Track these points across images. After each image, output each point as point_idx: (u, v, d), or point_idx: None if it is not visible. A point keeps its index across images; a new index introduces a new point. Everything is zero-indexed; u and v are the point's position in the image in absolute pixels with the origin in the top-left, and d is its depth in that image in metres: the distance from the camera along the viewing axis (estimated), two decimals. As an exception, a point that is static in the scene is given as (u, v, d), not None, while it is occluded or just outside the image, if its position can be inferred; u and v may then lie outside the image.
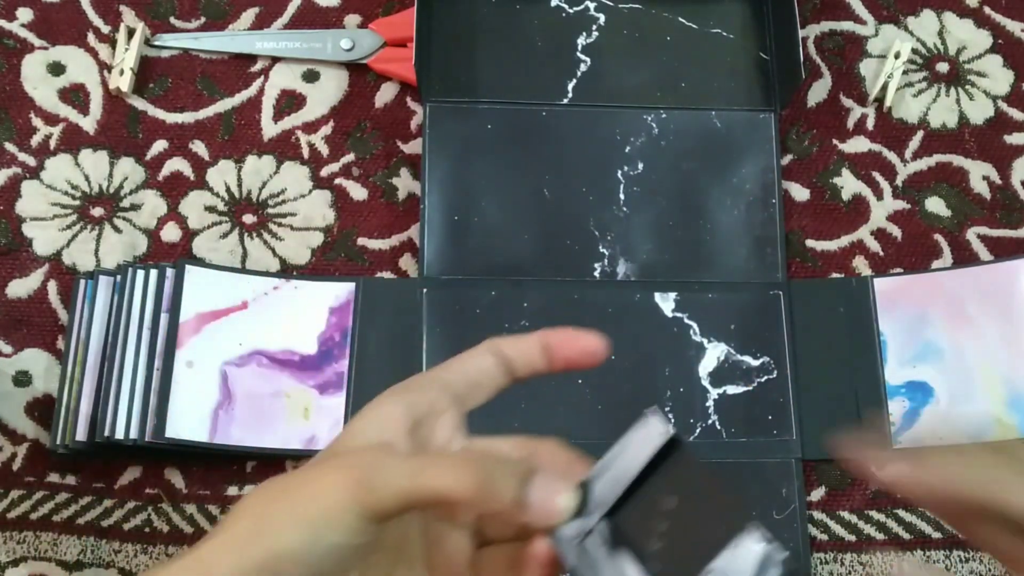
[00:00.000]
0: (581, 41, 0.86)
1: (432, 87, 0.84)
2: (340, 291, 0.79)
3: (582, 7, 0.87)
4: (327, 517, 0.44)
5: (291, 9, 0.89)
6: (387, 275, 0.81)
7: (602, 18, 0.87)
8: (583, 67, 0.86)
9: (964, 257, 0.82)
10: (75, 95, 0.86)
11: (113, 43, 0.86)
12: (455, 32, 0.86)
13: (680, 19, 0.87)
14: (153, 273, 0.77)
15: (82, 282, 0.78)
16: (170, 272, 0.77)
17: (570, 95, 0.85)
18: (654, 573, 0.44)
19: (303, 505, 0.44)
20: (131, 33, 0.86)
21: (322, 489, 0.44)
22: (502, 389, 0.51)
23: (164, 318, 0.76)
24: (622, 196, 0.82)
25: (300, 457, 0.77)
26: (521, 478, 0.44)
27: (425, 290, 0.80)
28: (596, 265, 0.81)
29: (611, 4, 0.87)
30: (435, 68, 0.85)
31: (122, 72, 0.85)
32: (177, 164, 0.84)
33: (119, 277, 0.77)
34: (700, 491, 0.45)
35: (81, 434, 0.74)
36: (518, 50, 0.86)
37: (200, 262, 0.79)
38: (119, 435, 0.73)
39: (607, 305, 0.80)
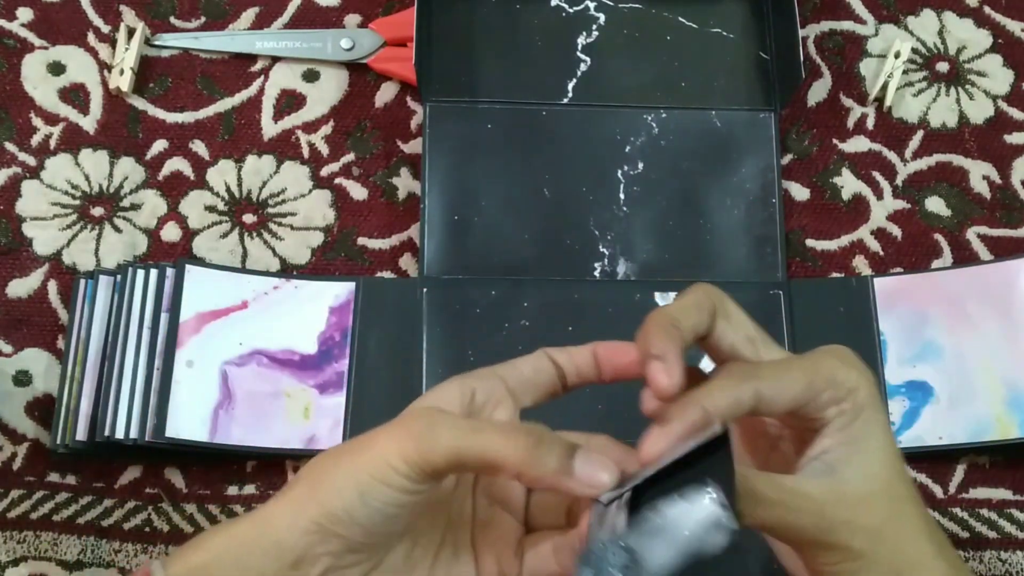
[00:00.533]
0: (581, 41, 0.86)
1: (432, 87, 0.84)
2: (340, 291, 0.80)
3: (582, 7, 0.87)
4: (378, 475, 0.47)
5: (291, 9, 0.89)
6: (387, 275, 0.82)
7: (602, 18, 0.87)
8: (583, 67, 0.86)
9: (964, 257, 0.82)
10: (75, 95, 0.86)
11: (113, 43, 0.87)
12: (455, 32, 0.86)
13: (680, 19, 0.87)
14: (153, 273, 0.77)
15: (82, 282, 0.78)
16: (170, 272, 0.77)
17: (570, 95, 0.85)
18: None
19: (356, 466, 0.47)
20: (131, 33, 0.86)
21: (374, 449, 0.47)
22: (555, 395, 0.55)
23: (164, 318, 0.76)
24: (622, 196, 0.82)
25: (300, 457, 0.77)
26: (567, 451, 0.48)
27: (425, 290, 0.80)
28: (596, 265, 0.81)
29: (611, 4, 0.87)
30: (435, 68, 0.85)
31: (122, 72, 0.85)
32: (177, 164, 0.84)
33: (119, 277, 0.77)
34: (719, 482, 0.46)
35: (81, 434, 0.74)
36: (518, 50, 0.86)
37: (200, 262, 0.80)
38: (119, 435, 0.73)
39: (607, 305, 0.80)
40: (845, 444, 0.52)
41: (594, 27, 0.87)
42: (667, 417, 0.50)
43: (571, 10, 0.87)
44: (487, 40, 0.86)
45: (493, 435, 0.47)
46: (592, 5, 0.87)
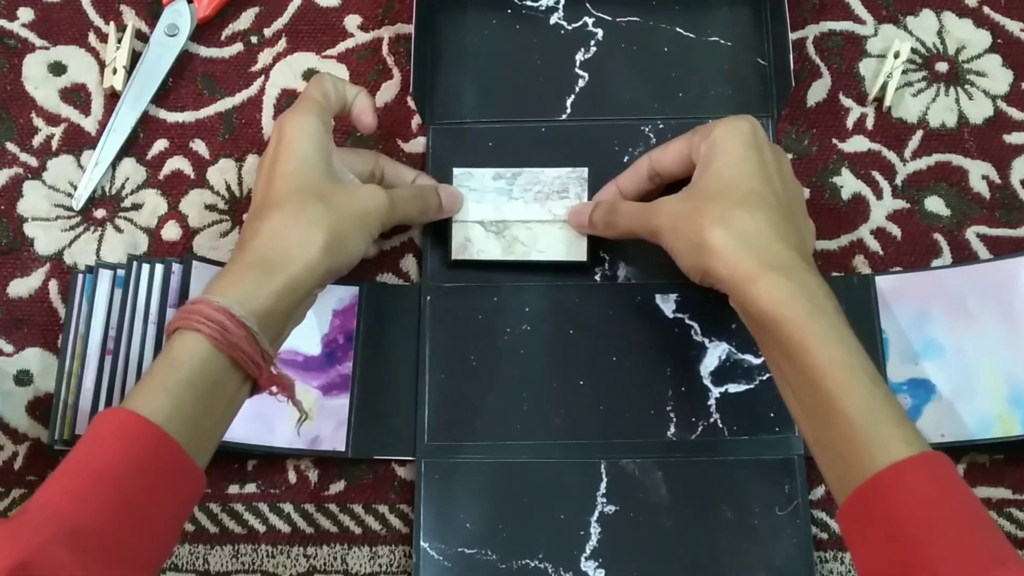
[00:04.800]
0: (580, 57, 0.86)
1: (434, 111, 0.85)
2: (343, 293, 0.80)
3: (580, 23, 0.87)
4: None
5: (291, 9, 0.89)
6: (388, 276, 0.82)
7: (600, 33, 0.87)
8: (581, 83, 0.86)
9: (964, 256, 0.82)
10: (76, 95, 0.86)
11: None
12: (455, 55, 0.87)
13: (678, 29, 0.87)
14: (159, 268, 0.77)
15: (80, 276, 0.78)
16: (176, 267, 0.77)
17: (568, 111, 0.85)
18: None
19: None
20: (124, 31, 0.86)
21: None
22: None
23: (171, 313, 0.76)
24: (621, 202, 0.82)
25: (302, 457, 0.77)
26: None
27: (429, 297, 0.80)
28: (597, 269, 0.81)
29: (609, 19, 0.87)
30: (435, 91, 0.86)
31: (115, 71, 0.85)
32: (178, 163, 0.84)
33: (122, 271, 0.77)
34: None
35: (82, 428, 0.74)
36: (518, 70, 0.87)
37: (205, 259, 0.79)
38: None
39: (608, 308, 0.80)
40: (695, 169, 0.73)
41: (592, 43, 0.87)
42: (595, 198, 0.79)
43: (570, 27, 0.87)
44: (487, 61, 0.87)
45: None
46: (590, 21, 0.87)
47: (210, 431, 0.64)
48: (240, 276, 0.65)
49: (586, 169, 0.80)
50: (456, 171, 0.81)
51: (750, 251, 0.67)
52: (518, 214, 0.80)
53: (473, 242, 0.80)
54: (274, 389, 0.66)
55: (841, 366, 0.62)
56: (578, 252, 0.80)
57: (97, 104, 0.85)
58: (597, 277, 0.81)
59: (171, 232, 0.82)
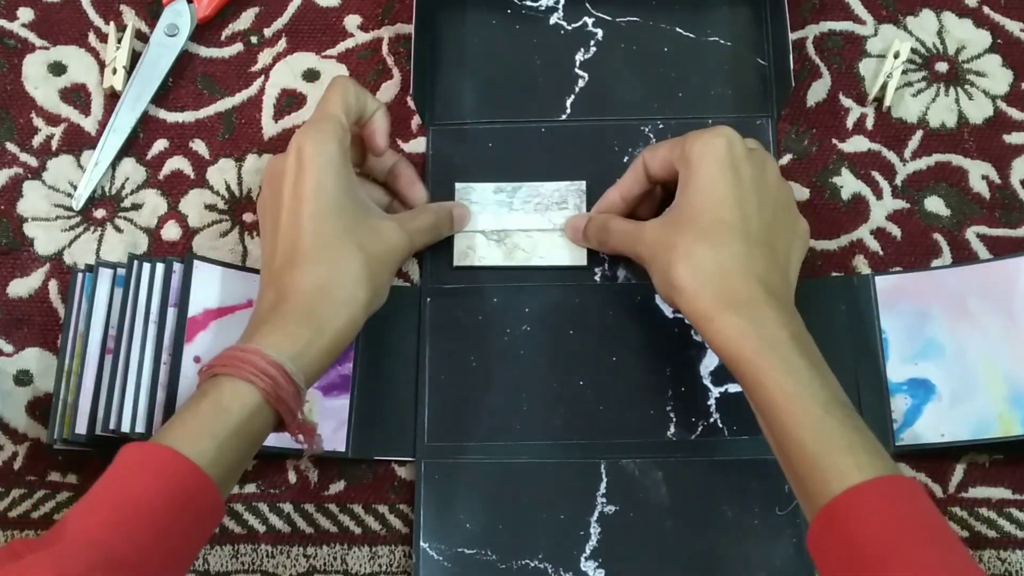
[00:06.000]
0: (579, 57, 0.86)
1: (434, 112, 0.85)
2: (343, 293, 0.79)
3: (580, 23, 0.87)
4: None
5: (291, 9, 0.89)
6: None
7: (600, 33, 0.87)
8: (581, 83, 0.86)
9: (963, 257, 0.82)
10: (76, 95, 0.86)
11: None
12: (455, 55, 0.87)
13: (678, 29, 0.87)
14: (160, 267, 0.77)
15: (79, 275, 0.78)
16: (177, 267, 0.77)
17: (568, 111, 0.85)
18: None
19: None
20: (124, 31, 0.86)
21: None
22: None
23: (172, 312, 0.76)
24: (620, 203, 0.82)
25: (302, 457, 0.77)
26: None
27: (429, 298, 0.80)
28: (597, 270, 0.81)
29: (609, 19, 0.87)
30: (436, 91, 0.86)
31: (115, 71, 0.85)
32: (177, 163, 0.84)
33: (123, 270, 0.77)
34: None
35: (81, 427, 0.73)
36: (518, 70, 0.87)
37: (205, 258, 0.79)
38: (125, 428, 0.72)
39: (608, 308, 0.80)
40: (677, 184, 0.73)
41: (592, 43, 0.87)
42: (597, 205, 0.80)
43: (569, 27, 0.87)
44: (487, 62, 0.87)
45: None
46: (590, 21, 0.87)
47: (239, 470, 0.67)
48: (292, 333, 0.67)
49: (584, 182, 0.81)
50: (458, 186, 0.82)
51: (708, 289, 0.68)
52: (519, 224, 0.81)
53: (475, 250, 0.81)
54: (300, 438, 0.68)
55: (792, 398, 0.64)
56: (578, 257, 0.81)
57: (97, 104, 0.86)
58: (597, 277, 0.81)
59: (171, 232, 0.82)
